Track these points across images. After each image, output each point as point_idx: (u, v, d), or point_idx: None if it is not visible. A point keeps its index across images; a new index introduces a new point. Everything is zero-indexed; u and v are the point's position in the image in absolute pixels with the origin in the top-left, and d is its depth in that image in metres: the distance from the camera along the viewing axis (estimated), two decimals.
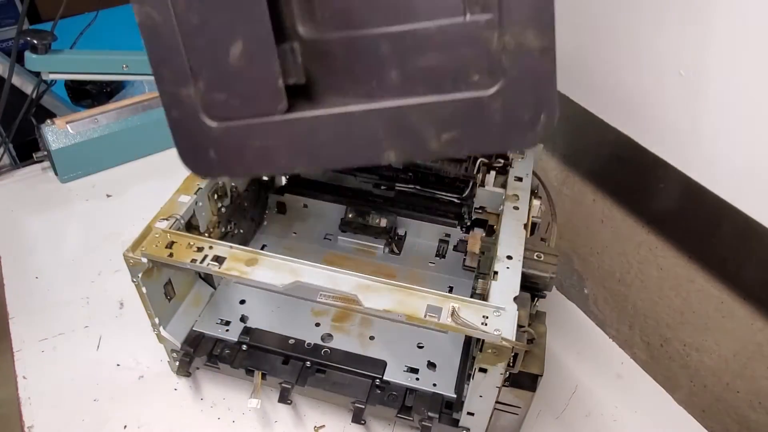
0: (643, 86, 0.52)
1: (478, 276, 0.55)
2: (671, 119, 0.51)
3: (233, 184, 0.62)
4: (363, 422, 0.53)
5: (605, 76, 0.56)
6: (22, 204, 0.84)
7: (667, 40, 0.48)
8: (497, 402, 0.47)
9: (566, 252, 0.79)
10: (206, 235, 0.58)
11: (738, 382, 0.61)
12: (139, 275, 0.50)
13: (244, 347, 0.57)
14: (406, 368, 0.55)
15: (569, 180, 0.75)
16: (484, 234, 0.59)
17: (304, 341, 0.57)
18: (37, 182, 0.88)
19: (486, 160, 0.61)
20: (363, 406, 0.52)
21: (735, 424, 0.62)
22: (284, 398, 0.54)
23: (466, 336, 0.56)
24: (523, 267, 0.48)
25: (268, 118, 0.39)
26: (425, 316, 0.43)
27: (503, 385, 0.46)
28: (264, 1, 0.37)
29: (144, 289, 0.51)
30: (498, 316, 0.43)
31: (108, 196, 0.86)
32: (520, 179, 0.58)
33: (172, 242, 0.49)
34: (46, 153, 0.85)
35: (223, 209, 0.60)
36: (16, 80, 0.95)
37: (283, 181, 0.70)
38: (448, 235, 0.68)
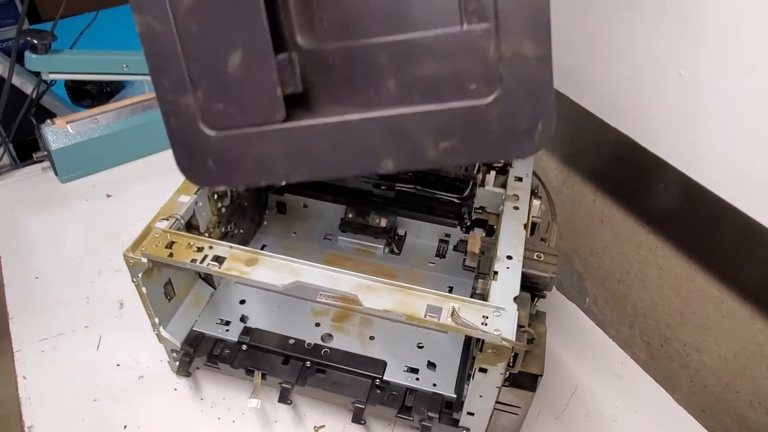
0: (643, 86, 0.52)
1: (478, 276, 0.55)
2: (671, 119, 0.51)
3: None
4: (363, 422, 0.53)
5: (605, 76, 0.56)
6: (22, 204, 0.84)
7: (667, 40, 0.48)
8: (497, 402, 0.47)
9: (566, 252, 0.79)
10: (206, 235, 0.58)
11: (738, 382, 0.61)
12: (139, 275, 0.50)
13: (244, 347, 0.57)
14: (406, 368, 0.55)
15: (569, 180, 0.75)
16: (484, 234, 0.59)
17: (304, 341, 0.57)
18: (37, 182, 0.88)
19: None
20: (363, 406, 0.52)
21: (735, 424, 0.62)
22: (284, 398, 0.54)
23: (466, 336, 0.56)
24: (523, 267, 0.48)
25: (267, 127, 0.39)
26: (425, 316, 0.43)
27: (503, 385, 0.46)
28: (263, 12, 0.37)
29: (144, 289, 0.51)
30: (498, 316, 0.43)
31: (108, 196, 0.86)
32: (520, 179, 0.58)
33: (172, 242, 0.49)
34: (46, 153, 0.85)
35: (223, 209, 0.60)
36: (16, 80, 0.95)
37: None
38: (448, 235, 0.68)
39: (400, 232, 0.69)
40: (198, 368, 0.60)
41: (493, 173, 0.60)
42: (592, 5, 0.54)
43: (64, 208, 0.84)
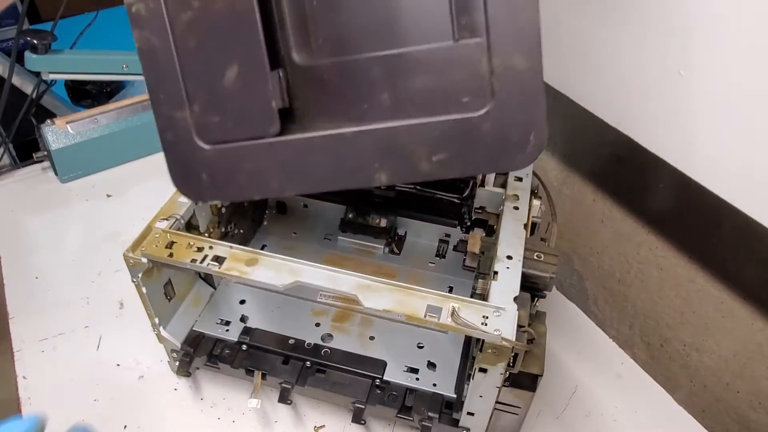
0: (644, 86, 0.52)
1: (478, 276, 0.55)
2: (671, 119, 0.51)
3: None
4: (363, 422, 0.53)
5: (605, 76, 0.56)
6: (22, 204, 0.84)
7: (668, 40, 0.48)
8: (497, 402, 0.47)
9: (566, 252, 0.79)
10: (206, 235, 0.58)
11: (738, 382, 0.61)
12: (139, 275, 0.50)
13: (244, 347, 0.57)
14: (406, 368, 0.55)
15: (569, 180, 0.75)
16: (484, 234, 0.59)
17: (304, 341, 0.57)
18: (37, 182, 0.88)
19: None
20: (363, 406, 0.52)
21: (735, 424, 0.62)
22: (284, 398, 0.54)
23: (466, 336, 0.56)
24: (523, 267, 0.48)
25: (261, 141, 0.39)
26: (425, 316, 0.43)
27: (503, 385, 0.46)
28: (260, 29, 0.37)
29: (144, 289, 0.51)
30: (498, 316, 0.43)
31: (108, 196, 0.86)
32: (520, 179, 0.58)
33: (172, 242, 0.49)
34: (46, 153, 0.85)
35: (223, 209, 0.60)
36: (16, 80, 0.95)
37: None
38: (448, 235, 0.68)
39: (400, 232, 0.69)
40: (198, 368, 0.60)
41: (493, 173, 0.60)
42: (593, 5, 0.54)
43: (64, 208, 0.84)
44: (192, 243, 0.49)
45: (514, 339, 0.41)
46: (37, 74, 0.88)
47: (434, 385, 0.54)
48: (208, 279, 0.62)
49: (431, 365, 0.55)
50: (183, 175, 0.42)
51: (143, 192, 0.85)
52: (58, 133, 0.84)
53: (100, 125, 0.87)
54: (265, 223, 0.71)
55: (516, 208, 0.54)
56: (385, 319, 0.58)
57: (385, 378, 0.54)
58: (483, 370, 0.44)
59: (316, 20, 0.38)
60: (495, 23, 0.35)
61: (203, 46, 0.38)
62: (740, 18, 0.43)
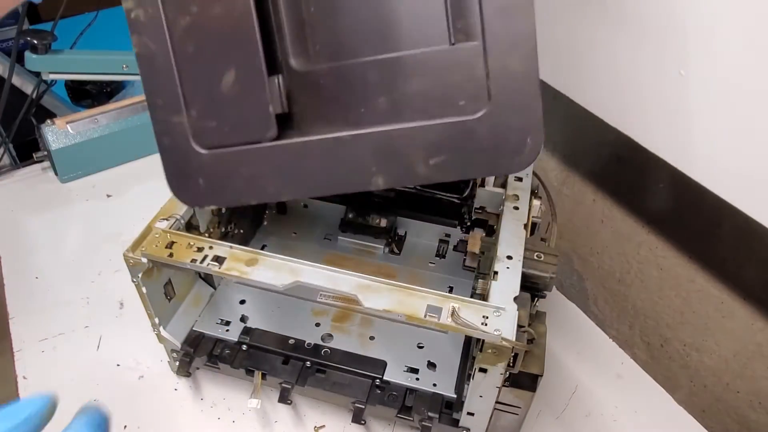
0: (643, 86, 0.52)
1: (478, 276, 0.55)
2: (671, 119, 0.51)
3: None
4: (363, 422, 0.53)
5: (605, 76, 0.56)
6: (22, 204, 0.84)
7: (667, 39, 0.48)
8: (497, 402, 0.47)
9: (566, 252, 0.79)
10: (206, 235, 0.58)
11: (738, 382, 0.61)
12: (139, 275, 0.50)
13: (244, 347, 0.57)
14: (406, 368, 0.55)
15: (569, 180, 0.75)
16: (484, 234, 0.59)
17: (304, 341, 0.57)
18: (37, 182, 0.88)
19: None
20: (363, 406, 0.52)
21: (735, 424, 0.62)
22: (284, 398, 0.54)
23: (466, 336, 0.56)
24: (523, 267, 0.48)
25: (258, 146, 0.39)
26: (425, 316, 0.43)
27: (503, 385, 0.46)
28: (257, 35, 0.37)
29: (144, 289, 0.51)
30: (498, 316, 0.43)
31: (108, 196, 0.86)
32: (520, 179, 0.58)
33: (172, 242, 0.49)
34: (46, 153, 0.85)
35: (223, 210, 0.60)
36: (16, 80, 0.95)
37: None
38: (448, 235, 0.68)
39: (400, 232, 0.69)
40: (198, 368, 0.60)
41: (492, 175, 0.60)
42: (593, 4, 0.54)
43: (64, 208, 0.84)
44: (192, 243, 0.49)
45: (514, 339, 0.41)
46: (37, 74, 0.88)
47: (434, 385, 0.54)
48: (208, 279, 0.62)
49: (431, 365, 0.55)
50: (179, 180, 0.42)
51: (143, 192, 0.85)
52: (58, 133, 0.84)
53: (100, 125, 0.87)
54: (265, 223, 0.71)
55: (516, 208, 0.54)
56: (385, 319, 0.58)
57: (385, 378, 0.54)
58: (483, 370, 0.44)
59: (313, 26, 0.39)
60: (490, 26, 0.35)
61: (201, 52, 0.39)
62: (740, 17, 0.43)
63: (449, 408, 0.52)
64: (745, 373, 0.60)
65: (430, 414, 0.51)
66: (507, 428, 0.51)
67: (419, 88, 0.37)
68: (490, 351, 0.43)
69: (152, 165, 0.91)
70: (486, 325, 0.42)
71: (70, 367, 0.62)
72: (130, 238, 0.49)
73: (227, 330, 0.58)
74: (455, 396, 0.53)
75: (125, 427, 0.57)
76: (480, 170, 0.39)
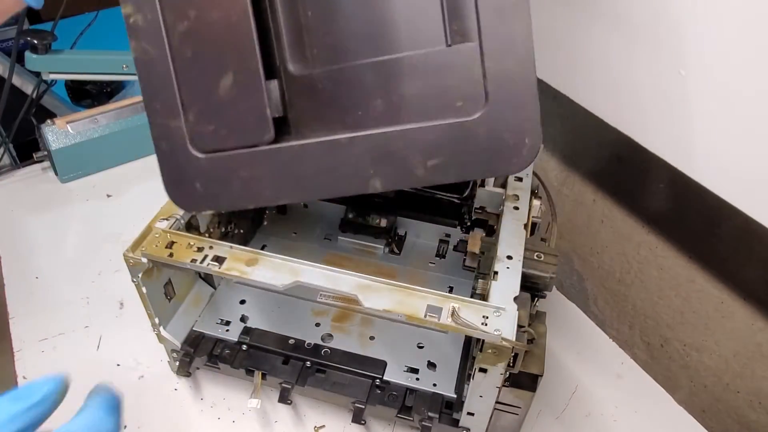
0: (644, 86, 0.52)
1: (478, 276, 0.55)
2: (671, 119, 0.51)
3: None
4: (363, 422, 0.53)
5: (606, 76, 0.56)
6: (22, 204, 0.84)
7: (667, 39, 0.48)
8: (497, 402, 0.47)
9: (566, 252, 0.79)
10: (206, 235, 0.58)
11: (738, 382, 0.61)
12: (139, 275, 0.50)
13: (244, 347, 0.57)
14: (406, 368, 0.55)
15: (569, 180, 0.76)
16: (484, 234, 0.59)
17: (304, 341, 0.57)
18: (37, 182, 0.88)
19: None
20: (363, 406, 0.52)
21: (735, 424, 0.62)
22: (284, 398, 0.54)
23: (466, 336, 0.56)
24: (523, 267, 0.48)
25: (255, 149, 0.39)
26: (425, 316, 0.43)
27: (503, 386, 0.46)
28: (254, 39, 0.38)
29: (144, 289, 0.51)
30: (498, 316, 0.43)
31: (108, 196, 0.86)
32: (520, 179, 0.58)
33: (172, 242, 0.49)
34: (46, 153, 0.85)
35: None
36: (16, 80, 0.95)
37: None
38: (448, 235, 0.68)
39: (400, 232, 0.69)
40: (198, 368, 0.60)
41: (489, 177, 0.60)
42: (592, 4, 0.54)
43: (64, 208, 0.84)
44: (192, 243, 0.49)
45: (514, 339, 0.41)
46: (37, 74, 0.88)
47: (434, 385, 0.54)
48: (208, 279, 0.62)
49: (431, 365, 0.55)
50: (177, 185, 0.42)
51: (143, 192, 0.85)
52: (58, 133, 0.84)
53: (100, 125, 0.87)
54: (265, 223, 0.71)
55: (516, 208, 0.54)
56: (385, 319, 0.58)
57: (385, 378, 0.54)
58: (483, 370, 0.44)
59: (311, 31, 0.39)
60: (487, 27, 0.35)
61: (199, 56, 0.39)
62: (740, 17, 0.43)
63: (449, 408, 0.52)
64: (745, 373, 0.60)
65: (430, 414, 0.51)
66: (507, 428, 0.51)
67: (416, 90, 0.37)
68: (490, 351, 0.43)
69: (152, 165, 0.90)
70: (486, 325, 0.42)
71: (70, 367, 0.62)
72: (130, 238, 0.49)
73: (227, 330, 0.58)
74: (455, 396, 0.53)
75: (125, 427, 0.57)
76: (478, 172, 0.39)
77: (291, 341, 0.57)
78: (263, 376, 0.55)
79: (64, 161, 0.86)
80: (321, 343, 0.57)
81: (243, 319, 0.59)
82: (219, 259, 0.48)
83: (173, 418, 0.58)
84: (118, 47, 0.91)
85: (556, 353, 0.66)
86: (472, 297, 0.47)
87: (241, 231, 0.65)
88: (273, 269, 0.47)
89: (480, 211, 0.60)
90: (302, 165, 0.39)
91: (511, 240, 0.50)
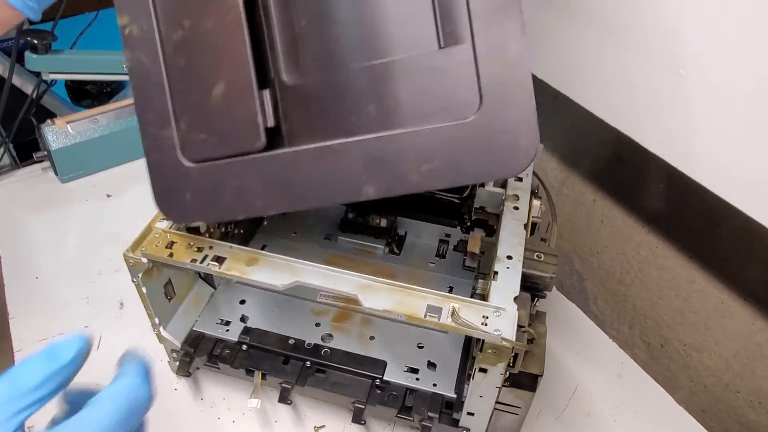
0: (643, 86, 0.52)
1: (478, 276, 0.55)
2: (671, 119, 0.51)
3: None
4: (363, 422, 0.53)
5: (605, 76, 0.56)
6: (22, 204, 0.84)
7: (667, 39, 0.48)
8: (497, 402, 0.47)
9: (566, 252, 0.79)
10: (206, 235, 0.58)
11: (738, 382, 0.61)
12: (139, 275, 0.50)
13: (244, 347, 0.57)
14: (406, 368, 0.55)
15: (569, 180, 0.76)
16: (484, 234, 0.59)
17: (304, 341, 0.57)
18: (37, 182, 0.88)
19: None
20: (363, 406, 0.52)
21: (735, 424, 0.62)
22: (284, 398, 0.54)
23: (466, 336, 0.56)
24: (523, 267, 0.48)
25: (246, 157, 0.39)
26: (425, 316, 0.43)
27: (503, 386, 0.46)
28: (247, 46, 0.37)
29: (144, 289, 0.51)
30: (498, 316, 0.43)
31: (108, 196, 0.86)
32: (520, 179, 0.58)
33: (172, 242, 0.49)
34: (46, 153, 0.85)
35: None
36: (16, 80, 0.95)
37: None
38: (448, 235, 0.68)
39: (400, 232, 0.69)
40: (198, 368, 0.60)
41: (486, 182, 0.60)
42: (592, 4, 0.54)
43: (64, 208, 0.84)
44: (192, 243, 0.49)
45: (514, 339, 0.41)
46: (37, 74, 0.88)
47: (434, 385, 0.54)
48: (208, 279, 0.62)
49: (431, 365, 0.55)
50: (166, 196, 0.41)
51: (143, 192, 0.83)
52: (58, 133, 0.84)
53: (100, 125, 0.87)
54: (265, 223, 0.71)
55: (516, 208, 0.54)
56: (385, 319, 0.58)
57: (385, 378, 0.54)
58: (483, 370, 0.44)
59: (305, 39, 0.38)
60: (479, 28, 0.35)
61: (192, 65, 0.39)
62: (740, 16, 0.43)
63: (449, 408, 0.52)
64: (745, 373, 0.60)
65: (430, 414, 0.51)
66: (507, 428, 0.51)
67: (409, 94, 0.37)
68: (490, 351, 0.43)
69: None
70: (486, 325, 0.42)
71: None
72: (130, 238, 0.49)
73: (227, 330, 0.58)
74: (455, 396, 0.53)
75: None
76: (474, 176, 0.38)
77: (291, 341, 0.57)
78: (263, 376, 0.55)
79: (64, 161, 0.86)
80: (321, 343, 0.57)
81: (243, 319, 0.59)
82: (219, 259, 0.47)
83: (173, 418, 0.58)
84: (118, 47, 0.90)
85: (556, 353, 0.66)
86: (472, 297, 0.47)
87: (241, 231, 0.65)
88: (273, 269, 0.47)
89: (480, 211, 0.60)
90: (294, 173, 0.38)
91: (511, 240, 0.50)
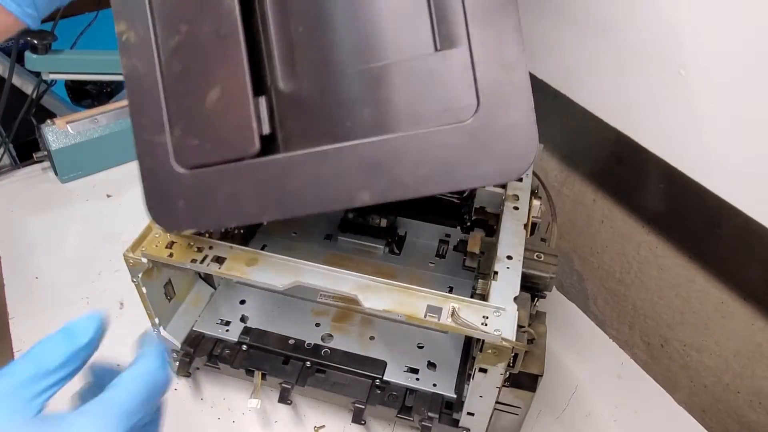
0: (643, 86, 0.52)
1: (478, 276, 0.55)
2: (671, 119, 0.51)
3: None
4: (363, 422, 0.53)
5: (605, 76, 0.56)
6: (22, 204, 0.84)
7: (667, 39, 0.48)
8: (497, 402, 0.47)
9: (566, 252, 0.79)
10: (206, 235, 0.57)
11: (738, 382, 0.61)
12: (139, 275, 0.50)
13: (244, 347, 0.57)
14: (406, 368, 0.55)
15: (569, 180, 0.76)
16: (484, 234, 0.59)
17: (304, 341, 0.57)
18: (37, 182, 0.88)
19: None
20: (363, 407, 0.52)
21: (735, 424, 0.62)
22: (284, 398, 0.54)
23: (466, 336, 0.56)
24: (523, 267, 0.48)
25: (239, 163, 0.38)
26: (425, 316, 0.43)
27: (503, 386, 0.46)
28: (243, 51, 0.37)
29: (144, 290, 0.51)
30: (498, 317, 0.43)
31: (108, 196, 0.86)
32: (520, 179, 0.58)
33: (172, 242, 0.49)
34: (46, 153, 0.85)
35: None
36: (16, 80, 0.95)
37: None
38: (448, 235, 0.68)
39: (400, 232, 0.69)
40: (198, 368, 0.60)
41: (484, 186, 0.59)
42: (592, 4, 0.54)
43: (64, 208, 0.84)
44: (192, 243, 0.49)
45: (514, 339, 0.41)
46: (37, 74, 0.88)
47: (434, 385, 0.54)
48: (208, 279, 0.62)
49: (431, 365, 0.55)
50: (158, 203, 0.41)
51: None
52: (58, 133, 0.84)
53: (100, 125, 0.87)
54: (265, 223, 0.71)
55: (516, 208, 0.54)
56: (385, 319, 0.58)
57: (385, 378, 0.54)
58: (483, 371, 0.44)
59: (301, 46, 0.38)
60: (475, 31, 0.35)
61: (187, 70, 0.38)
62: (740, 16, 0.43)
63: (449, 408, 0.52)
64: (745, 373, 0.60)
65: (430, 414, 0.51)
66: (507, 428, 0.51)
67: (405, 97, 0.36)
68: (490, 351, 0.43)
69: None
70: (486, 325, 0.42)
71: None
72: (130, 238, 0.49)
73: (227, 330, 0.58)
74: (455, 396, 0.53)
75: None
76: (471, 180, 0.37)
77: (291, 341, 0.57)
78: (263, 376, 0.55)
79: (64, 161, 0.86)
80: (321, 343, 0.57)
81: (243, 319, 0.59)
82: (219, 260, 0.48)
83: (173, 418, 0.58)
84: None
85: (556, 353, 0.66)
86: (472, 297, 0.47)
87: (241, 231, 0.65)
88: (273, 269, 0.47)
89: (480, 211, 0.60)
90: (287, 179, 0.38)
91: (511, 240, 0.50)
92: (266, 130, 0.38)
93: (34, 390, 0.27)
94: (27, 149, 0.88)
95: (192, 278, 0.60)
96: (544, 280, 0.49)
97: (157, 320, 0.54)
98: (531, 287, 0.48)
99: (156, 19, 0.38)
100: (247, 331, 0.57)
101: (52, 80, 0.93)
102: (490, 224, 0.59)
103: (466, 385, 0.51)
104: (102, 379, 0.31)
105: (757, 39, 0.42)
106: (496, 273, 0.47)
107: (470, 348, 0.55)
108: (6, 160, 0.90)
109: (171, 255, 0.48)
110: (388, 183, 0.37)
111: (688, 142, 0.50)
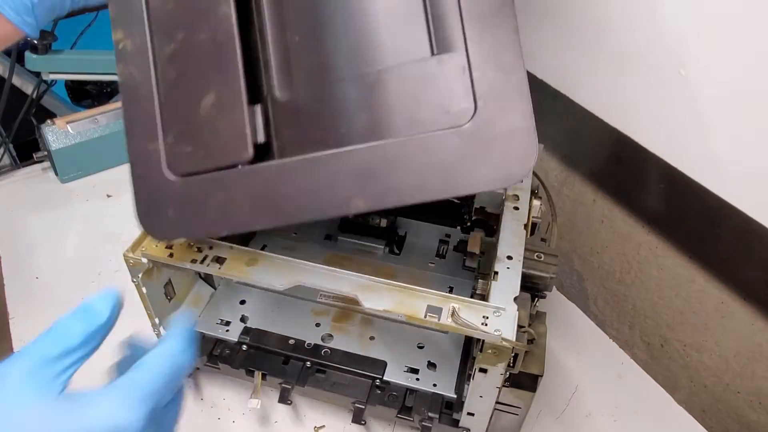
0: (643, 86, 0.52)
1: (478, 276, 0.55)
2: (671, 119, 0.51)
3: None
4: (363, 422, 0.53)
5: (605, 76, 0.56)
6: (22, 204, 0.84)
7: (667, 39, 0.48)
8: (497, 402, 0.47)
9: (566, 252, 0.79)
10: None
11: (738, 382, 0.61)
12: (139, 275, 0.50)
13: (244, 347, 0.57)
14: (406, 368, 0.55)
15: (569, 180, 0.76)
16: (484, 234, 0.59)
17: (304, 341, 0.57)
18: (37, 182, 0.88)
19: None
20: (363, 407, 0.52)
21: (735, 424, 0.62)
22: (284, 398, 0.54)
23: (466, 336, 0.56)
24: (523, 267, 0.48)
25: (232, 171, 0.38)
26: (425, 316, 0.43)
27: (503, 386, 0.46)
28: (238, 58, 0.37)
29: (144, 290, 0.51)
30: (498, 317, 0.43)
31: (108, 196, 0.86)
32: (520, 180, 0.58)
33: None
34: (46, 153, 0.85)
35: None
36: (16, 80, 0.95)
37: None
38: (448, 236, 0.68)
39: (400, 232, 0.69)
40: (198, 368, 0.60)
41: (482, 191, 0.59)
42: (592, 4, 0.54)
43: (64, 208, 0.84)
44: (192, 243, 0.49)
45: (514, 339, 0.41)
46: (37, 74, 0.88)
47: (434, 385, 0.54)
48: (208, 279, 0.62)
49: (431, 365, 0.55)
50: (149, 211, 0.41)
51: None
52: (58, 133, 0.84)
53: (100, 125, 0.87)
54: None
55: (516, 208, 0.54)
56: (385, 319, 0.58)
57: (385, 378, 0.54)
58: (483, 371, 0.44)
59: (298, 54, 0.38)
60: (472, 35, 0.34)
61: (183, 77, 0.38)
62: (741, 16, 0.43)
63: (449, 408, 0.52)
64: (745, 373, 0.60)
65: (430, 414, 0.51)
66: (507, 428, 0.51)
67: (401, 102, 0.36)
68: (490, 351, 0.43)
69: None
70: (486, 325, 0.42)
71: None
72: (130, 238, 0.49)
73: (227, 330, 0.58)
74: (455, 396, 0.53)
75: None
76: (469, 186, 0.35)
77: (291, 341, 0.57)
78: (263, 376, 0.55)
79: (64, 161, 0.86)
80: (321, 343, 0.57)
81: (243, 319, 0.59)
82: (219, 260, 0.48)
83: None
84: None
85: (556, 353, 0.66)
86: (472, 297, 0.47)
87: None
88: (273, 269, 0.47)
89: (480, 211, 0.60)
90: (280, 186, 0.37)
91: (511, 240, 0.50)
92: (261, 138, 0.38)
93: (57, 368, 0.27)
94: (27, 149, 0.89)
95: (192, 278, 0.60)
96: (544, 280, 0.49)
97: (157, 320, 0.54)
98: (531, 287, 0.48)
99: (153, 27, 0.38)
100: (247, 331, 0.57)
101: (52, 80, 0.92)
102: (490, 224, 0.59)
103: (466, 385, 0.51)
104: (139, 352, 0.32)
105: (757, 39, 0.42)
106: (496, 273, 0.47)
107: (470, 348, 0.55)
108: (6, 160, 0.90)
109: (171, 255, 0.48)
110: (384, 189, 0.36)
111: (689, 142, 0.50)
